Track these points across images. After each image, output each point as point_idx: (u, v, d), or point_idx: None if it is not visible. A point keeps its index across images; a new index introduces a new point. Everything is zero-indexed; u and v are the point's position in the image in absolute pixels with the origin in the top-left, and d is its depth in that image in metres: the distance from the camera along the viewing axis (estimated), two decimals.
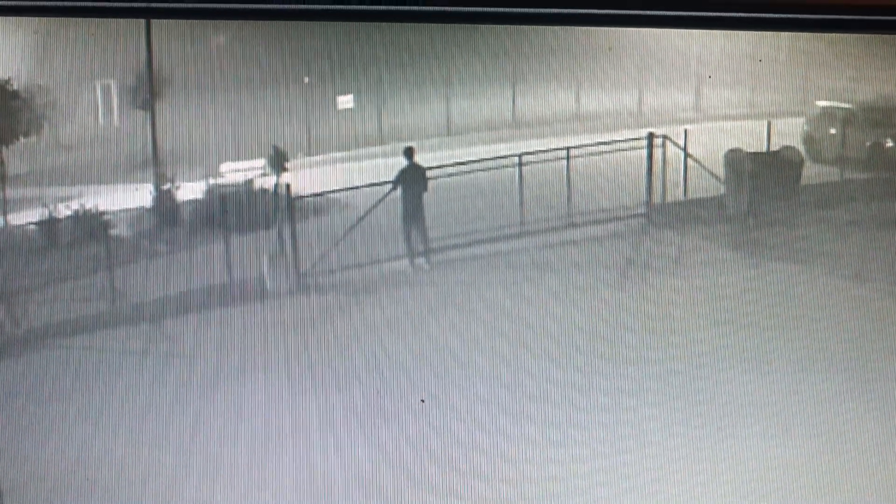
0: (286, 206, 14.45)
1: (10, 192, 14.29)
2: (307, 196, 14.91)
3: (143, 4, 11.40)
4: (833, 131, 19.12)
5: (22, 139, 14.94)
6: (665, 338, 12.14)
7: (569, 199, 16.07)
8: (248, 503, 9.63)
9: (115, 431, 10.57)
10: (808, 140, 19.09)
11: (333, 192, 15.33)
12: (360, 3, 11.24)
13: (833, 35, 15.66)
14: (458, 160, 15.39)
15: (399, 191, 14.78)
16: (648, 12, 8.98)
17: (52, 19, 13.15)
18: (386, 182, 14.54)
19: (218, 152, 15.56)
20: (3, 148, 14.78)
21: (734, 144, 17.37)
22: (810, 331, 12.20)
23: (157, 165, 15.97)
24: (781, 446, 10.67)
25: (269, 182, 15.62)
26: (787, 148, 17.76)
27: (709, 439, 10.96)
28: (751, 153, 16.59)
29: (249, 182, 16.41)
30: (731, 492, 10.38)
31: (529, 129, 16.73)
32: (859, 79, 19.79)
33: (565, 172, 16.17)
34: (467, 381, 11.37)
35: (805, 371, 11.55)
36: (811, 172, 17.44)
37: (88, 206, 15.75)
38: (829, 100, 20.10)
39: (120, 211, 16.06)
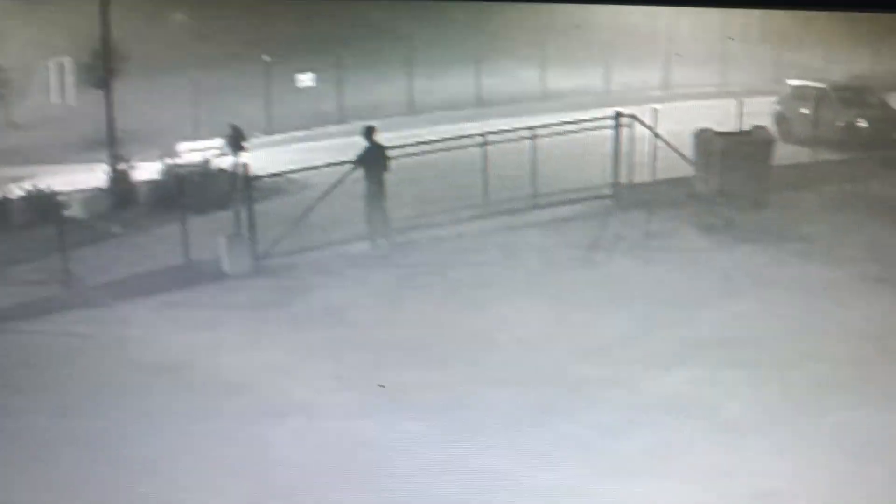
0: (244, 187, 14.36)
1: None
2: (265, 176, 14.84)
3: None
4: (805, 111, 19.11)
5: None
6: (632, 319, 12.12)
7: (534, 179, 16.02)
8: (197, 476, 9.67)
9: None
10: (780, 119, 19.25)
11: (293, 171, 15.36)
12: None
13: (806, 13, 15.71)
14: (420, 139, 15.39)
15: (360, 171, 14.68)
16: None
17: None
18: (346, 162, 14.41)
19: (174, 132, 15.52)
20: None
21: (704, 124, 17.20)
22: (781, 316, 12.22)
23: (112, 145, 15.91)
24: (742, 439, 10.64)
25: (227, 162, 15.57)
26: (758, 128, 17.33)
27: (682, 426, 10.90)
28: (721, 133, 16.49)
29: (206, 162, 16.38)
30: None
31: (495, 108, 16.81)
32: (832, 58, 19.92)
33: (531, 152, 16.47)
34: (429, 363, 11.33)
35: (773, 356, 11.54)
36: (783, 152, 17.36)
37: (41, 186, 15.72)
38: (802, 79, 20.03)
39: (74, 192, 15.99)
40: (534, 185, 14.68)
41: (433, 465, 9.10)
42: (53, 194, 14.60)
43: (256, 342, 11.85)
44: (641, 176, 15.17)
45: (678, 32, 15.22)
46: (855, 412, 10.33)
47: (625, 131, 15.22)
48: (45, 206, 14.46)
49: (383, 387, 10.68)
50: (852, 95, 18.11)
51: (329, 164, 14.23)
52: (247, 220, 13.83)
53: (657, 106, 15.37)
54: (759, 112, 16.37)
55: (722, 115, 15.82)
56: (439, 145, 14.47)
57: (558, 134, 14.94)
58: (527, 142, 14.86)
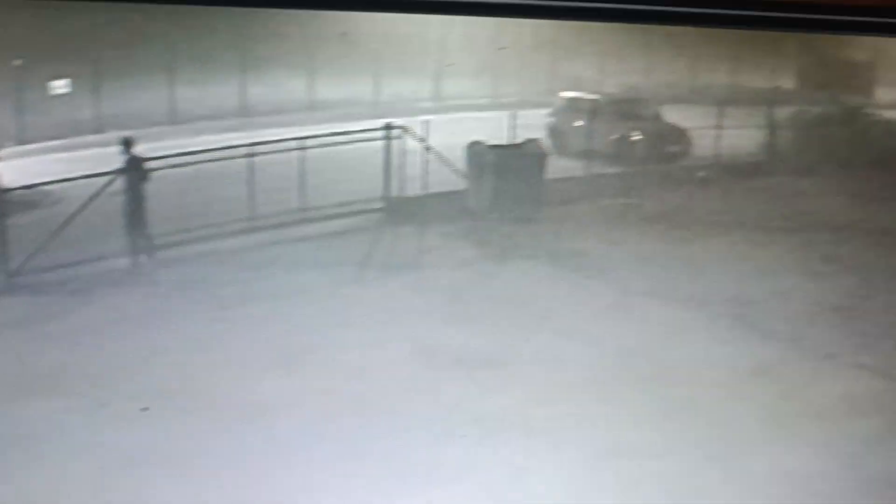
0: None
1: None
2: (17, 188, 14.13)
3: None
4: (579, 123, 19.34)
5: None
6: (404, 337, 12.11)
7: (303, 191, 15.83)
8: None
9: None
10: (554, 132, 19.28)
11: (47, 184, 14.73)
12: None
13: (580, 23, 15.92)
14: (184, 150, 15.16)
15: (119, 183, 14.24)
16: None
17: None
18: (104, 174, 13.97)
19: None
20: None
21: (477, 136, 17.40)
22: (554, 330, 12.37)
23: None
24: (511, 447, 10.77)
25: None
26: (530, 140, 17.62)
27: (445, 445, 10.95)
28: (493, 146, 16.69)
29: None
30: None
31: (262, 118, 16.54)
32: (606, 69, 20.26)
33: (300, 164, 16.19)
34: (194, 384, 11.09)
35: (547, 371, 11.69)
36: (557, 166, 17.64)
37: None
38: (576, 91, 20.27)
39: None
40: (303, 197, 14.52)
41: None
42: None
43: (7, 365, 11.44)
44: (413, 189, 15.19)
45: (450, 42, 15.27)
46: (623, 429, 10.60)
47: (396, 143, 15.21)
48: None
49: (146, 409, 10.46)
50: (626, 108, 18.45)
51: (86, 176, 13.77)
52: None
53: (428, 117, 15.40)
54: (534, 125, 16.57)
55: (495, 128, 15.96)
56: (204, 156, 14.16)
57: (328, 145, 14.82)
58: (295, 153, 14.71)
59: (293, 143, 15.14)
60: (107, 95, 14.72)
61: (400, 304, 13.14)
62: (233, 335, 12.26)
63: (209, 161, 14.82)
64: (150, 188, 14.27)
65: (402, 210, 15.29)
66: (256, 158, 14.90)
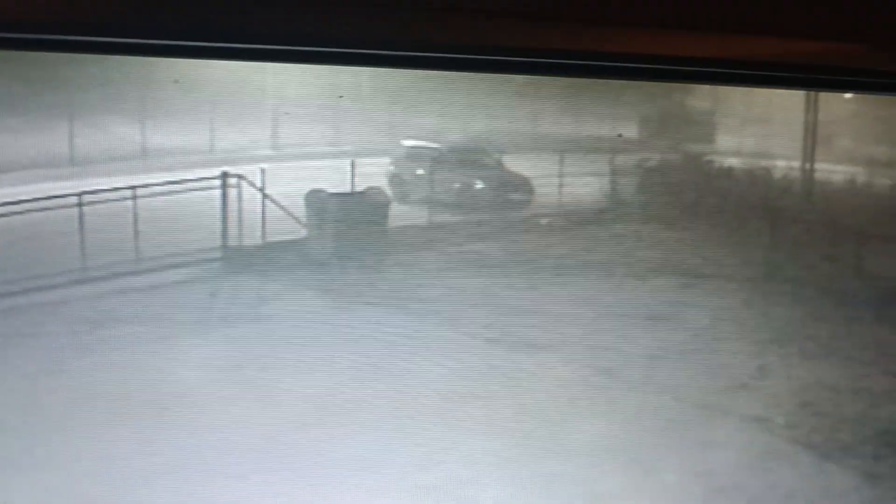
0: None
1: None
2: None
3: None
4: (421, 172, 20.23)
5: None
6: (249, 388, 12.00)
7: (136, 242, 15.61)
8: None
9: None
10: (396, 181, 20.30)
11: None
12: None
13: (417, 73, 16.19)
14: (3, 200, 14.72)
15: None
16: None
17: None
18: None
19: None
20: None
21: (317, 185, 17.47)
22: (404, 381, 12.40)
23: None
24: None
25: None
26: (372, 189, 17.82)
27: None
28: (333, 194, 17.69)
29: None
30: None
31: (90, 166, 16.26)
32: (448, 118, 20.61)
33: (133, 213, 15.94)
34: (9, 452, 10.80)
35: (403, 423, 11.70)
36: (400, 213, 17.87)
37: None
38: (417, 139, 20.54)
39: None
40: (137, 248, 14.30)
41: None
42: None
43: None
44: (253, 239, 15.12)
45: (287, 89, 15.23)
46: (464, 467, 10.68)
47: (233, 192, 15.13)
48: None
49: None
50: (468, 157, 18.71)
51: None
52: None
53: (265, 166, 15.36)
54: (375, 173, 16.68)
55: (336, 176, 16.02)
56: (27, 205, 13.83)
57: (162, 194, 14.68)
58: (128, 202, 14.53)
59: (127, 193, 14.94)
60: None
61: (240, 354, 13.04)
62: (55, 392, 12.04)
63: (35, 211, 14.52)
64: None
65: (240, 259, 15.18)
66: (86, 207, 14.64)
